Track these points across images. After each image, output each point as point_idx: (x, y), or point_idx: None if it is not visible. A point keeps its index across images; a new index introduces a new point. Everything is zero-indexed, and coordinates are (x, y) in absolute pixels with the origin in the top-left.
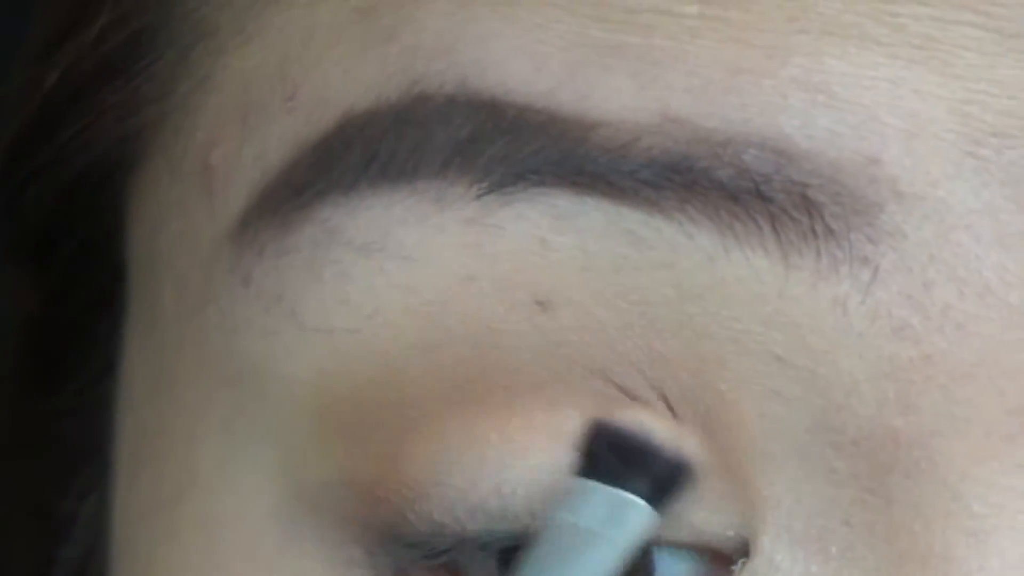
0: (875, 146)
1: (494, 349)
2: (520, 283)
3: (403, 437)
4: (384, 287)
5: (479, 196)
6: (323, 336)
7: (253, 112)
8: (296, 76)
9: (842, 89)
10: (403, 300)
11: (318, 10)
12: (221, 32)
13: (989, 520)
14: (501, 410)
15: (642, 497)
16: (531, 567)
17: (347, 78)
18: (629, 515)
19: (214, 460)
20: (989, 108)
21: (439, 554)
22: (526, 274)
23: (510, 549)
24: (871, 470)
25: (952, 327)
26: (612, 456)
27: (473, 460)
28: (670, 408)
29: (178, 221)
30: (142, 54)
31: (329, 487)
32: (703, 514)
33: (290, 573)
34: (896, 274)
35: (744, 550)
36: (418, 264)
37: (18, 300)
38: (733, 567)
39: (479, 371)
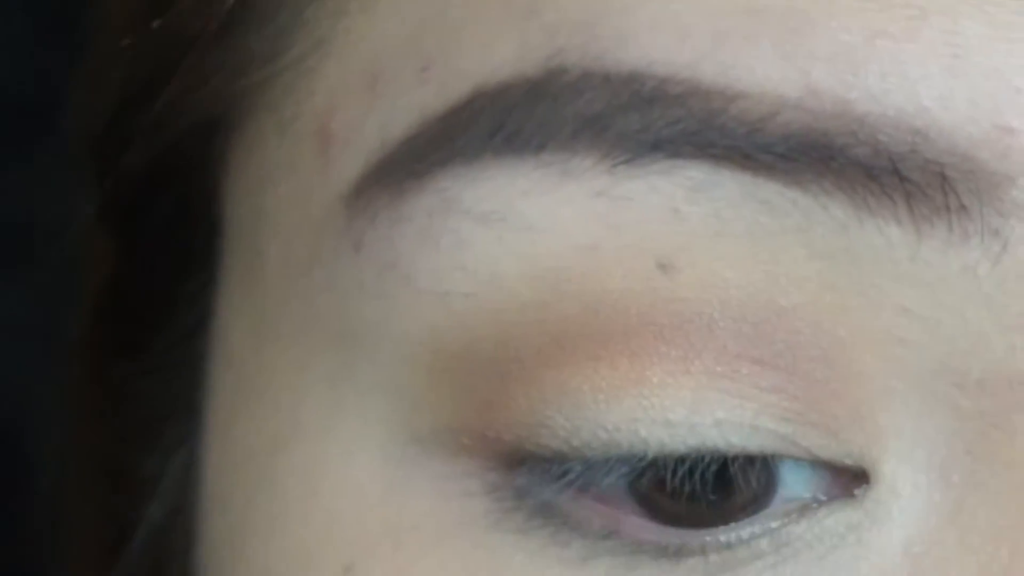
0: (1008, 115)
1: (603, 309)
2: (645, 250)
3: (506, 389)
4: (503, 255)
5: (611, 168)
6: (438, 298)
7: (382, 81)
8: (431, 48)
9: (978, 54)
10: (521, 267)
11: None
12: None
13: None
14: (593, 363)
15: None
16: None
17: (484, 52)
18: None
19: (318, 411)
20: None
21: (564, 475)
22: (653, 242)
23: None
24: (996, 407)
25: None
26: None
27: (570, 407)
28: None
29: (287, 181)
30: (254, 13)
31: (442, 432)
32: (818, 439)
33: (400, 511)
34: None
35: (864, 478)
36: (540, 234)
37: (98, 264)
38: (856, 491)
39: (581, 327)
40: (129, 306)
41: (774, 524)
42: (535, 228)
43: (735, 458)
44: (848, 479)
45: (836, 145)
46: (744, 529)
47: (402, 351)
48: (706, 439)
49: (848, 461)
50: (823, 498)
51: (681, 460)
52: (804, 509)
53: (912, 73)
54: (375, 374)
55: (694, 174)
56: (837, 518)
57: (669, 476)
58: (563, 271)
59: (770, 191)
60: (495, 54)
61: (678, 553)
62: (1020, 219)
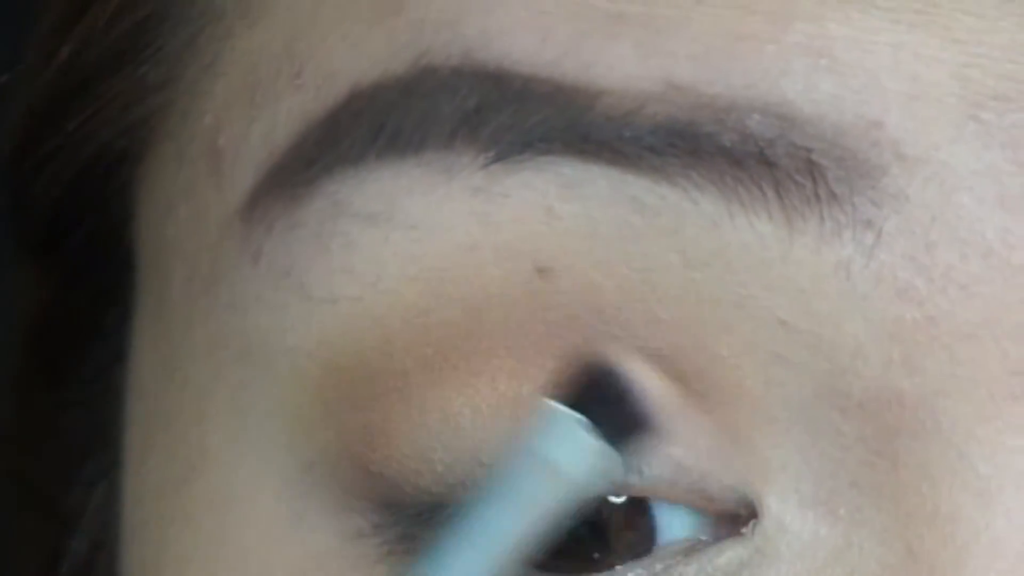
0: (877, 109)
1: (485, 314)
2: (523, 251)
3: (389, 409)
4: (388, 256)
5: (486, 165)
6: (328, 306)
7: (260, 91)
8: (303, 53)
9: (844, 54)
10: (405, 268)
11: None
12: (228, 15)
13: (994, 480)
14: (474, 379)
15: (608, 438)
16: (488, 488)
17: (354, 52)
18: (595, 458)
19: (224, 438)
20: (990, 72)
21: (444, 519)
22: (529, 242)
23: None
24: (877, 432)
25: (955, 288)
26: (589, 392)
27: (450, 436)
28: (662, 370)
29: (186, 205)
30: (149, 41)
31: (329, 460)
32: (704, 467)
33: (302, 548)
34: (899, 237)
35: (752, 512)
36: (423, 233)
37: (23, 297)
38: (744, 529)
39: (465, 335)
40: (53, 338)
41: (659, 567)
42: (419, 227)
43: (611, 507)
44: (733, 518)
45: (703, 133)
46: (629, 572)
47: (294, 366)
48: None
49: (731, 504)
50: (707, 539)
51: None
52: (691, 550)
53: (775, 69)
54: (271, 395)
55: (565, 171)
56: (728, 557)
57: None
58: (445, 271)
59: (639, 187)
60: (364, 53)
61: None
62: (893, 209)
